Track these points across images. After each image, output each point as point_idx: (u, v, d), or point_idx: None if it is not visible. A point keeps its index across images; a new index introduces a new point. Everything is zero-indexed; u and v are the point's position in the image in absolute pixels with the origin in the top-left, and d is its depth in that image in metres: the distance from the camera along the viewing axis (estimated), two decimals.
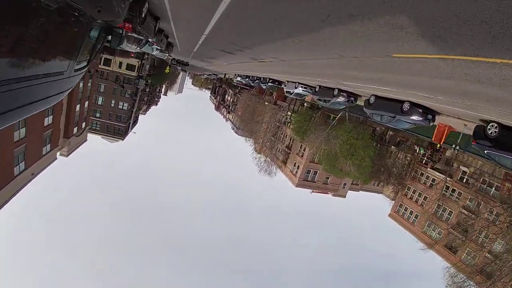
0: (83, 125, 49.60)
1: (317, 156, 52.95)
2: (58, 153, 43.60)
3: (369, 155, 44.42)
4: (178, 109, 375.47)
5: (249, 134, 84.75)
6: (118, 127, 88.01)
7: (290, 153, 64.92)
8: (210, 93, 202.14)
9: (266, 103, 77.03)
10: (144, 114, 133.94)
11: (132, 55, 77.22)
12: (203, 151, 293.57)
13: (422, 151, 50.23)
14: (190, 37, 21.44)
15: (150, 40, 25.75)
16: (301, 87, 31.82)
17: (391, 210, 56.24)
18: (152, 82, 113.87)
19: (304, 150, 60.68)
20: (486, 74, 6.69)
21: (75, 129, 46.35)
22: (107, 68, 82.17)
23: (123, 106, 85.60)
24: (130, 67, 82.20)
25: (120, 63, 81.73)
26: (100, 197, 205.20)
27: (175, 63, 65.20)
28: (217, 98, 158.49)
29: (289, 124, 59.10)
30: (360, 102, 24.14)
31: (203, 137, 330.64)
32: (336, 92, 24.90)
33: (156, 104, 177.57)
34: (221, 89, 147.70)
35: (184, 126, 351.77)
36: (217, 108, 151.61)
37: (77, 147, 48.87)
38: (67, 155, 45.98)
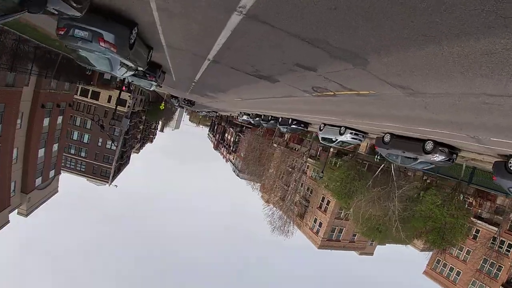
0: (52, 173, 38.91)
1: (352, 215, 42.07)
2: (14, 213, 32.67)
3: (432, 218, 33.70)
4: (174, 147, 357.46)
5: (254, 178, 74.25)
6: (105, 169, 77.19)
7: (308, 206, 54.05)
8: (209, 131, 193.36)
9: (275, 145, 66.98)
10: (138, 153, 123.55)
11: (124, 88, 67.89)
12: (203, 196, 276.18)
13: (462, 197, 39.92)
14: (188, 63, 14.97)
15: (146, 72, 19.29)
16: (351, 133, 22.63)
17: (427, 267, 46.93)
18: (147, 118, 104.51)
19: (327, 204, 49.96)
20: None
21: (38, 180, 35.69)
22: (94, 101, 72.63)
23: (111, 145, 75.21)
24: (120, 101, 72.54)
25: (109, 97, 72.21)
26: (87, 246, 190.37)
27: (180, 102, 55.70)
28: (216, 136, 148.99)
29: (317, 177, 48.17)
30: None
31: (201, 180, 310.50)
32: (430, 146, 15.52)
33: (152, 142, 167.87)
34: (220, 127, 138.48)
35: (181, 166, 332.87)
36: (216, 147, 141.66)
37: (43, 201, 37.99)
38: (27, 214, 35.05)
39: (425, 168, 19.45)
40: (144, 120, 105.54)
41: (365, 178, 40.89)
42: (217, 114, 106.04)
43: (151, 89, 31.16)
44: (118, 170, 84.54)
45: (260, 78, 12.39)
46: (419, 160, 16.57)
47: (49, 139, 35.16)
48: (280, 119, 34.74)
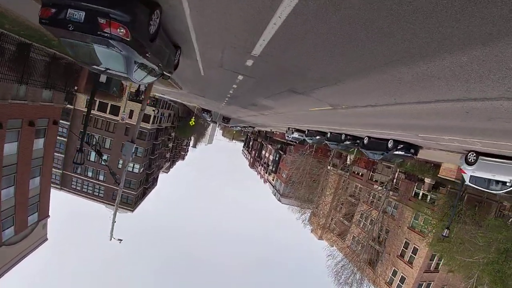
0: (32, 218, 27.68)
1: (459, 268, 28.06)
2: None
3: None
4: (207, 164, 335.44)
5: (301, 205, 61.26)
6: (126, 195, 66.36)
7: (383, 252, 40.08)
8: (243, 147, 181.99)
9: (330, 167, 53.69)
10: (167, 172, 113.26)
11: (148, 101, 57.13)
12: (237, 221, 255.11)
13: None
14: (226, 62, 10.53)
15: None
16: None
17: None
18: (176, 135, 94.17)
19: (414, 252, 35.95)
20: None
21: (9, 231, 24.41)
22: (113, 117, 62.31)
23: (133, 168, 64.42)
24: (144, 117, 61.94)
25: (131, 112, 61.71)
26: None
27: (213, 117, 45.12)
28: (252, 153, 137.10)
29: (427, 231, 34.24)
30: None
31: (237, 203, 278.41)
32: None
33: (183, 159, 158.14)
34: (256, 143, 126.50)
35: (214, 187, 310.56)
36: (252, 165, 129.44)
37: (18, 258, 26.61)
38: None
39: None
40: (174, 137, 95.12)
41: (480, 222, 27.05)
42: (254, 129, 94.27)
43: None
44: (142, 195, 73.71)
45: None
46: None
47: (21, 173, 23.81)
48: (367, 139, 21.99)
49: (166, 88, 31.05)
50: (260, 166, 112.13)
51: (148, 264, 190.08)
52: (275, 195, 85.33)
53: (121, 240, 26.55)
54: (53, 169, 65.75)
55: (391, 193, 38.94)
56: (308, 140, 36.76)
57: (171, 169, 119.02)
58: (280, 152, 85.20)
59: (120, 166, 63.67)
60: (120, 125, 61.92)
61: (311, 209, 59.58)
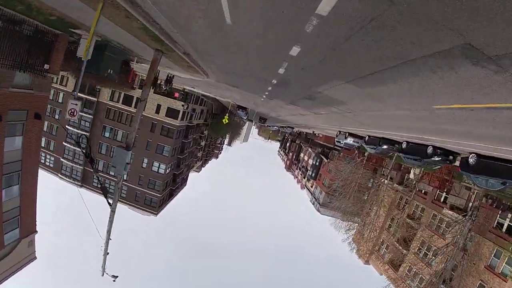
0: (10, 236, 21.49)
1: None
2: None
3: None
4: (241, 163, 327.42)
5: (345, 218, 52.95)
6: (150, 198, 60.45)
7: None
8: (279, 147, 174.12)
9: (386, 181, 44.91)
10: (199, 172, 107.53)
11: (176, 94, 50.79)
12: (270, 230, 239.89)
13: None
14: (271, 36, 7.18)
15: None
16: None
17: None
18: (210, 133, 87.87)
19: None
20: None
21: None
22: (128, 109, 56.44)
23: (158, 168, 58.28)
24: (171, 112, 55.56)
25: (158, 106, 55.53)
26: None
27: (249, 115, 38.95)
28: (289, 155, 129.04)
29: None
30: None
31: (271, 207, 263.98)
32: None
33: (217, 157, 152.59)
34: (294, 145, 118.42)
35: (248, 188, 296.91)
36: (289, 168, 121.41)
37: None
38: None
39: None
40: (207, 135, 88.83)
41: None
42: (293, 130, 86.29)
43: None
44: (169, 197, 67.66)
45: None
46: None
47: None
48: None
49: (189, 75, 24.01)
50: (298, 170, 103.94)
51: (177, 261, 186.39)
52: (313, 204, 77.00)
53: (116, 277, 19.65)
54: (74, 165, 61.17)
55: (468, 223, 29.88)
56: (369, 149, 28.63)
57: (203, 168, 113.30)
58: (322, 157, 76.75)
59: (145, 165, 57.90)
60: (146, 120, 55.94)
61: (357, 225, 51.14)
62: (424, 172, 36.38)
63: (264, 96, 22.52)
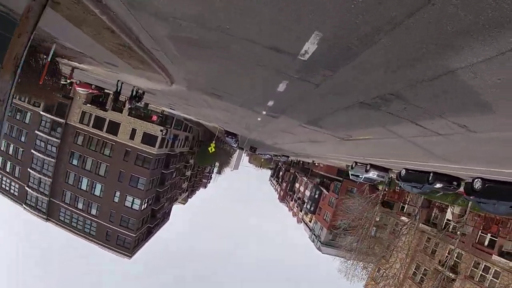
0: None
1: None
2: None
3: None
4: (232, 193, 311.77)
5: (356, 257, 44.03)
6: (123, 237, 51.19)
7: None
8: (271, 176, 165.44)
9: (419, 224, 36.65)
10: (184, 204, 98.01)
11: (154, 118, 42.99)
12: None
13: None
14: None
15: None
16: None
17: None
18: (196, 162, 79.53)
19: None
20: None
21: None
22: (111, 137, 48.06)
23: (132, 203, 49.34)
24: (148, 138, 47.16)
25: (133, 131, 47.21)
26: None
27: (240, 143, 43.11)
28: (282, 185, 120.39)
29: None
30: None
31: (264, 242, 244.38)
32: None
33: (205, 187, 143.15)
34: (288, 174, 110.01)
35: (238, 221, 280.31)
36: (283, 199, 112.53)
37: None
38: None
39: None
40: (193, 164, 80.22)
41: None
42: (288, 158, 78.23)
43: None
44: (146, 236, 58.14)
45: None
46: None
47: None
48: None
49: (142, 79, 15.73)
50: (293, 202, 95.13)
51: None
52: (313, 241, 67.92)
53: None
54: (39, 195, 52.04)
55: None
56: (407, 187, 20.59)
57: (189, 200, 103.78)
58: (321, 188, 68.36)
59: (116, 199, 49.11)
60: (118, 147, 47.49)
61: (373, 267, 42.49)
62: (464, 210, 28.34)
63: (264, 112, 14.51)
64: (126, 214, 49.76)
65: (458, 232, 29.63)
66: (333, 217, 62.13)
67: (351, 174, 29.49)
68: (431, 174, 16.29)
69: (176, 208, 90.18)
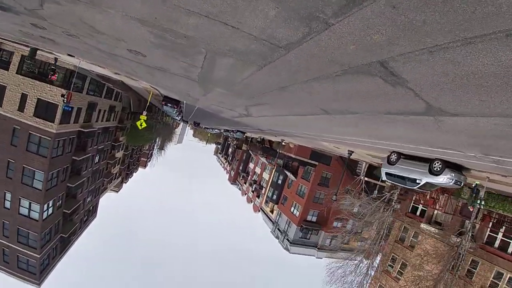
0: None
1: None
2: None
3: None
4: (177, 170, 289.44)
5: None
6: (25, 259, 35.10)
7: None
8: (218, 152, 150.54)
9: (424, 227, 25.19)
10: (117, 191, 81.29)
11: (54, 77, 26.94)
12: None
13: None
14: None
15: None
16: None
17: None
18: (127, 142, 63.02)
19: None
20: None
21: None
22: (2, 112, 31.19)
23: (29, 210, 33.01)
24: (44, 109, 30.55)
25: (23, 97, 30.42)
26: None
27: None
28: (232, 164, 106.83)
29: None
30: None
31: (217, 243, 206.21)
32: None
33: (145, 166, 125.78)
34: (239, 152, 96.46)
35: (184, 205, 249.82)
36: (234, 181, 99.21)
37: None
38: None
39: None
40: (124, 145, 63.55)
41: None
42: (244, 136, 64.52)
43: None
44: (61, 251, 41.79)
45: None
46: None
47: None
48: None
49: None
50: (247, 185, 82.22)
51: None
52: (278, 238, 55.73)
53: None
54: None
55: None
56: None
57: (124, 185, 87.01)
58: (286, 172, 55.78)
59: (8, 204, 32.91)
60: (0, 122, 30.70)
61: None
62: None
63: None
64: (23, 226, 33.48)
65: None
66: (305, 211, 50.30)
67: (386, 173, 17.00)
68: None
69: (109, 196, 73.79)
